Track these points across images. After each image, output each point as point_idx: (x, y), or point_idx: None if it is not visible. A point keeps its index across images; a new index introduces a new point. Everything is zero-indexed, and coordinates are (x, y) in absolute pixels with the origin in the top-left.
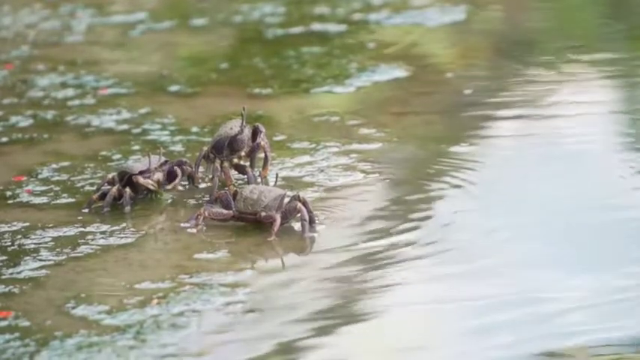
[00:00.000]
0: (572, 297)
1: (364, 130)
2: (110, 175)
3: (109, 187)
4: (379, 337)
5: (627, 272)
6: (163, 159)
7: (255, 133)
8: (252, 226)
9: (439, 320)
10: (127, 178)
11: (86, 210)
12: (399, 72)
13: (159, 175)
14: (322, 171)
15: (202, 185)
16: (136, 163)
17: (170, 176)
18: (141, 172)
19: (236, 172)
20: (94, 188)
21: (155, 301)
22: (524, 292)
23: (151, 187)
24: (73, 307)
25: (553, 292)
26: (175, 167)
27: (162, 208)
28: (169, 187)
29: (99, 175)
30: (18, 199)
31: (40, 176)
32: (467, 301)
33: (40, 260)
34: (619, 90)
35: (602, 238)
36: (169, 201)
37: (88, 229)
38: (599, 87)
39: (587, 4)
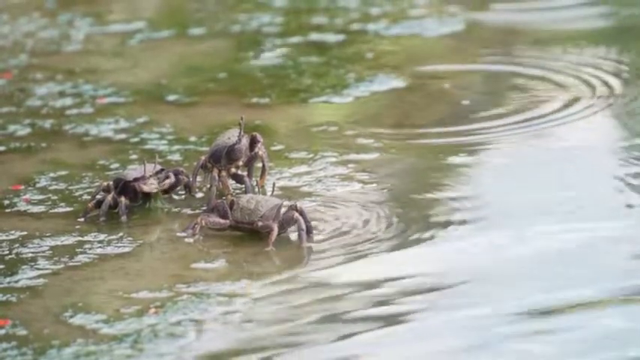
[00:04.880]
0: None
1: (362, 140)
2: (105, 183)
3: (104, 194)
4: (378, 344)
5: None
6: (159, 167)
7: (252, 142)
8: (249, 235)
9: (443, 333)
10: (121, 186)
11: (82, 219)
12: (397, 82)
13: (154, 182)
14: (320, 181)
15: (199, 195)
16: (131, 171)
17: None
18: (136, 180)
19: (234, 182)
20: (91, 197)
21: (152, 310)
22: (527, 304)
23: (155, 190)
24: (71, 316)
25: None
26: (170, 177)
27: (159, 217)
28: (161, 187)
29: (97, 184)
30: (16, 208)
31: (37, 185)
32: (469, 307)
33: (38, 269)
34: (617, 99)
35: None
36: (166, 210)
37: (86, 238)
38: (598, 96)
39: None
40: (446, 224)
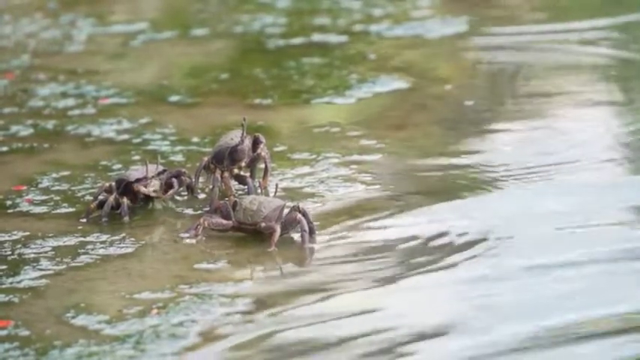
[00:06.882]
0: None
1: (364, 142)
2: (107, 184)
3: (106, 195)
4: (378, 348)
5: None
6: (161, 168)
7: (255, 143)
8: (251, 236)
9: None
10: (123, 186)
11: (84, 220)
12: (400, 83)
13: (156, 183)
14: (322, 182)
15: (202, 196)
16: (133, 171)
17: (168, 187)
18: (138, 180)
19: (236, 183)
20: (93, 198)
21: (155, 311)
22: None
23: (153, 195)
24: (73, 317)
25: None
26: (173, 178)
27: (161, 218)
28: (164, 196)
29: (99, 185)
30: (18, 209)
31: (40, 185)
32: (473, 310)
33: (40, 270)
34: (620, 103)
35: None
36: (169, 211)
37: (88, 238)
38: (600, 100)
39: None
40: (447, 225)
